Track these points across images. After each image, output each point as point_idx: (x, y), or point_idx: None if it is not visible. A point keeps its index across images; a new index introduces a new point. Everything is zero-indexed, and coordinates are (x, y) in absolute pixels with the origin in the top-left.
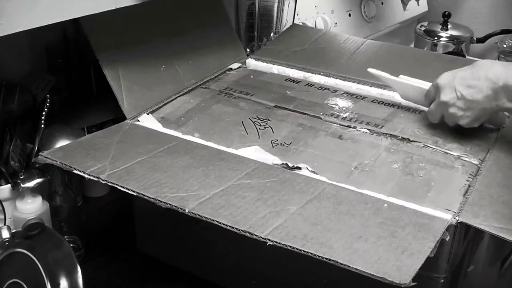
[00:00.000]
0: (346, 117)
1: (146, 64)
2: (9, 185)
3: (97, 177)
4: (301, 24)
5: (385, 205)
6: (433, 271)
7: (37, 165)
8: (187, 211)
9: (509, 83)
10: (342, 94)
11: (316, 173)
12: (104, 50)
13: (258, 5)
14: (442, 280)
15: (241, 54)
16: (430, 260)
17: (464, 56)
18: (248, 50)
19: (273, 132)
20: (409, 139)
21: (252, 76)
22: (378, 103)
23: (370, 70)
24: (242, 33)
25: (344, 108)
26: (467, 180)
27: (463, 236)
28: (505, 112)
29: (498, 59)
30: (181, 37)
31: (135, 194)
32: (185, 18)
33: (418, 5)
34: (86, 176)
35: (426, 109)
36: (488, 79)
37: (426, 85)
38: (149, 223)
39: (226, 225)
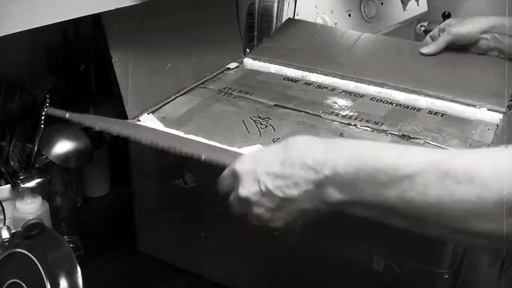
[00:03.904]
0: (346, 115)
1: (153, 63)
2: (9, 185)
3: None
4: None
5: None
6: (437, 266)
7: (36, 165)
8: None
9: (338, 170)
10: (341, 92)
11: None
12: (119, 49)
13: (258, 5)
14: (446, 276)
15: (239, 53)
16: (434, 256)
17: None
18: (248, 50)
19: (274, 130)
20: (409, 136)
21: (250, 76)
22: (377, 101)
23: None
24: (242, 33)
25: (343, 106)
26: None
27: None
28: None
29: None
30: (188, 35)
31: None
32: (195, 14)
33: (418, 5)
34: None
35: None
36: (305, 166)
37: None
38: (149, 223)
39: None
